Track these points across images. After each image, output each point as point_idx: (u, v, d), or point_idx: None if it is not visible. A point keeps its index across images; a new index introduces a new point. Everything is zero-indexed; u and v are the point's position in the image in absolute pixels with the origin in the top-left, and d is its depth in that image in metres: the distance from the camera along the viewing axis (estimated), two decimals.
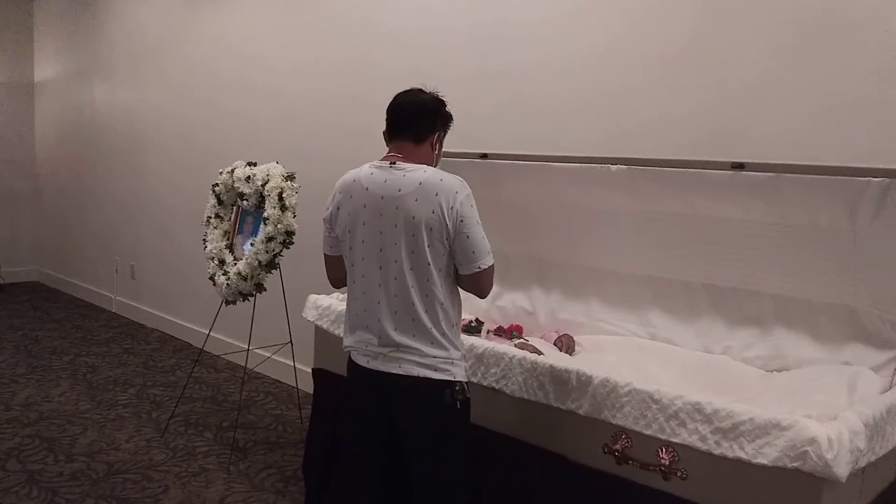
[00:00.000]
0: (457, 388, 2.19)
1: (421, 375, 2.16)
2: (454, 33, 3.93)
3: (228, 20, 5.45)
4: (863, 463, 1.94)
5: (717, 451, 1.99)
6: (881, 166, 2.29)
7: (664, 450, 2.10)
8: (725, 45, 2.94)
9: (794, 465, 1.85)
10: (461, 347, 2.28)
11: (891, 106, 2.56)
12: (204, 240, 4.13)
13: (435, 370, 2.17)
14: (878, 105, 2.58)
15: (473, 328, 3.30)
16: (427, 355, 2.17)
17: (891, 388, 2.32)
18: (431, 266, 2.15)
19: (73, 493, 3.39)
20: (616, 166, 2.85)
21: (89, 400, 4.59)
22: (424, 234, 2.13)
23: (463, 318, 3.22)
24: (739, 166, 2.55)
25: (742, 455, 1.94)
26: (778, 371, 2.65)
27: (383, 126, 2.33)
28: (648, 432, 2.12)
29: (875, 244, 2.38)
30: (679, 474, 2.08)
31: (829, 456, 1.80)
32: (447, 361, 2.19)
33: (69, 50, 7.49)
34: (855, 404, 2.15)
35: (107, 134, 6.97)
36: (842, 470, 1.82)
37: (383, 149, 2.30)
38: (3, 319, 6.56)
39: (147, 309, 6.54)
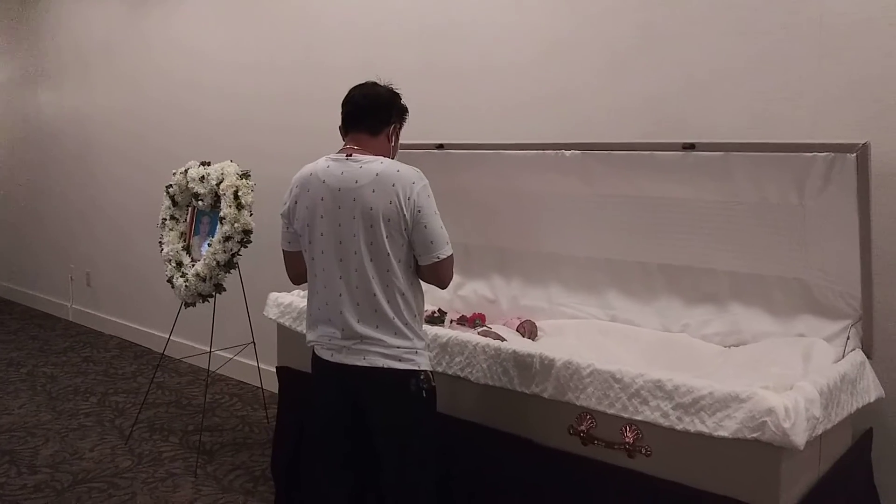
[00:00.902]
0: (422, 377, 2.20)
1: (386, 366, 2.17)
2: (405, 30, 3.93)
3: (176, 20, 5.37)
4: (819, 430, 2.00)
5: (679, 427, 2.03)
6: (825, 141, 2.35)
7: (628, 428, 2.14)
8: (671, 29, 2.98)
9: (754, 435, 1.90)
10: (425, 337, 2.29)
11: (831, 83, 2.62)
12: (160, 242, 4.08)
13: (399, 360, 2.18)
14: (819, 83, 2.65)
15: (437, 318, 3.31)
16: (391, 346, 2.18)
17: (843, 357, 2.38)
18: (391, 257, 2.16)
19: None
20: (570, 152, 2.87)
21: (50, 410, 4.51)
22: (382, 224, 2.14)
23: (426, 308, 3.24)
24: (690, 146, 2.59)
25: (703, 429, 1.99)
26: (735, 346, 2.71)
27: (336, 122, 2.32)
28: (612, 412, 2.16)
29: (823, 218, 2.44)
30: (643, 451, 2.12)
31: (786, 425, 1.86)
32: (411, 351, 2.20)
33: (14, 54, 7.30)
34: (810, 374, 2.21)
35: (57, 139, 6.81)
36: (799, 438, 1.87)
37: (336, 145, 2.30)
38: None
39: (105, 316, 6.43)
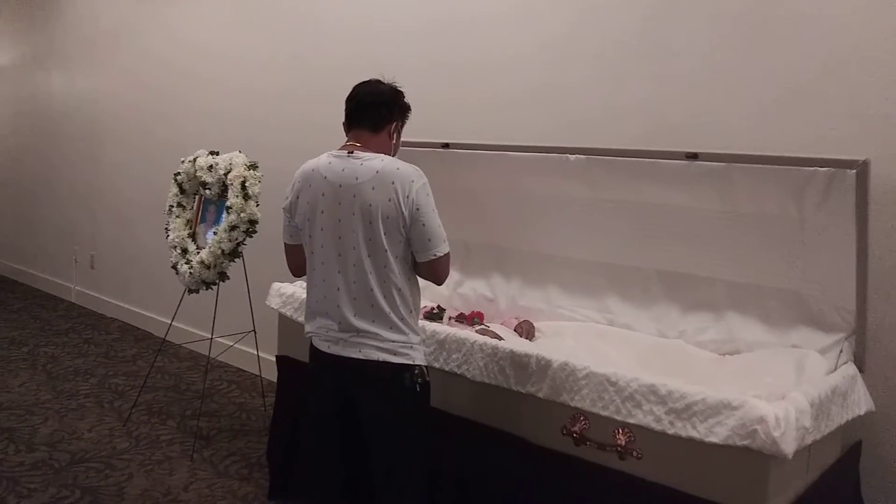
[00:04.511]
0: (416, 371, 2.24)
1: (380, 360, 2.20)
2: (409, 27, 3.96)
3: (184, 12, 5.40)
4: (809, 440, 2.04)
5: (671, 431, 2.06)
6: (826, 156, 2.38)
7: (621, 431, 2.18)
8: (676, 38, 3.01)
9: (744, 442, 1.93)
10: (420, 332, 2.32)
11: (835, 97, 2.65)
12: (166, 228, 4.11)
13: (394, 354, 2.21)
14: (823, 97, 2.67)
15: (435, 315, 3.35)
16: (386, 340, 2.21)
17: (836, 369, 2.41)
18: (388, 253, 2.19)
19: (34, 482, 3.37)
20: (575, 156, 2.91)
21: (50, 390, 4.55)
22: (381, 221, 2.17)
23: (425, 305, 3.29)
24: (693, 156, 2.63)
25: (695, 434, 2.02)
26: (730, 354, 2.74)
27: (338, 118, 2.36)
28: (605, 414, 2.19)
29: (821, 231, 2.47)
30: (635, 454, 2.15)
31: (776, 434, 1.89)
32: (406, 346, 2.23)
33: (24, 37, 7.34)
34: (802, 385, 2.24)
35: (64, 123, 6.86)
36: (788, 447, 1.91)
37: (338, 141, 2.33)
38: None
39: (107, 299, 6.48)
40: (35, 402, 4.35)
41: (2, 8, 7.65)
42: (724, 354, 2.75)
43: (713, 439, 1.99)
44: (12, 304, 6.75)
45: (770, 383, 2.32)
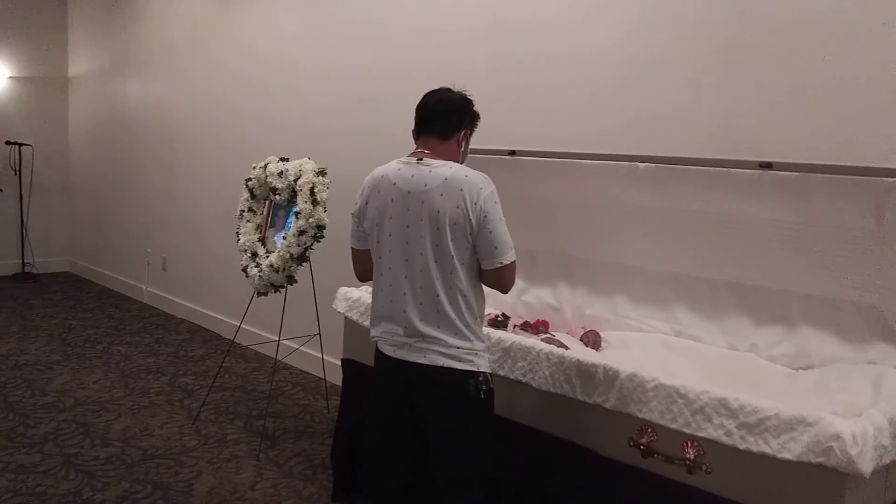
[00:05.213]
0: (480, 378, 2.24)
1: (445, 366, 2.21)
2: (473, 33, 3.98)
3: (257, 23, 5.54)
4: (887, 460, 1.97)
5: (742, 446, 2.02)
6: None
7: (689, 444, 2.14)
8: (754, 45, 2.95)
9: (819, 460, 1.88)
10: (485, 339, 2.33)
11: None
12: (237, 232, 4.21)
13: (459, 360, 2.22)
14: None
15: (500, 323, 3.34)
16: (451, 346, 2.22)
17: None
18: (455, 259, 2.20)
19: (108, 476, 3.49)
20: (644, 164, 2.88)
21: (123, 387, 4.71)
22: (448, 228, 2.19)
23: (489, 312, 3.29)
24: (767, 165, 2.58)
25: (767, 450, 1.97)
26: (803, 369, 2.67)
27: (405, 126, 2.39)
28: (674, 426, 2.16)
29: None
30: (704, 468, 2.12)
31: (853, 452, 1.83)
32: (471, 352, 2.24)
33: (102, 46, 7.63)
34: (879, 402, 2.16)
35: (138, 130, 7.10)
36: (865, 466, 1.85)
37: (406, 148, 2.36)
38: (37, 308, 6.72)
39: (177, 300, 6.66)
40: (109, 398, 4.51)
41: (81, 18, 7.97)
42: (797, 369, 2.68)
43: (786, 456, 1.94)
44: (88, 304, 7.00)
45: (846, 400, 2.25)
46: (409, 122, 2.39)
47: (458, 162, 2.33)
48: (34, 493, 3.31)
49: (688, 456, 2.14)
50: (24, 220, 7.98)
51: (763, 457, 1.98)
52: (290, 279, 3.92)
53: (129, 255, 7.37)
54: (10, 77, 7.92)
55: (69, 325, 6.20)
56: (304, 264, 3.89)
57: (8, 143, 7.75)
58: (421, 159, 2.28)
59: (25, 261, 8.03)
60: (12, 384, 4.67)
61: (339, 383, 3.51)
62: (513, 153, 3.30)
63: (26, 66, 8.03)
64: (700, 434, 2.11)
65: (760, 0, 2.93)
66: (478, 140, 2.53)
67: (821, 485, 1.90)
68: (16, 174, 7.86)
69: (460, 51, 4.03)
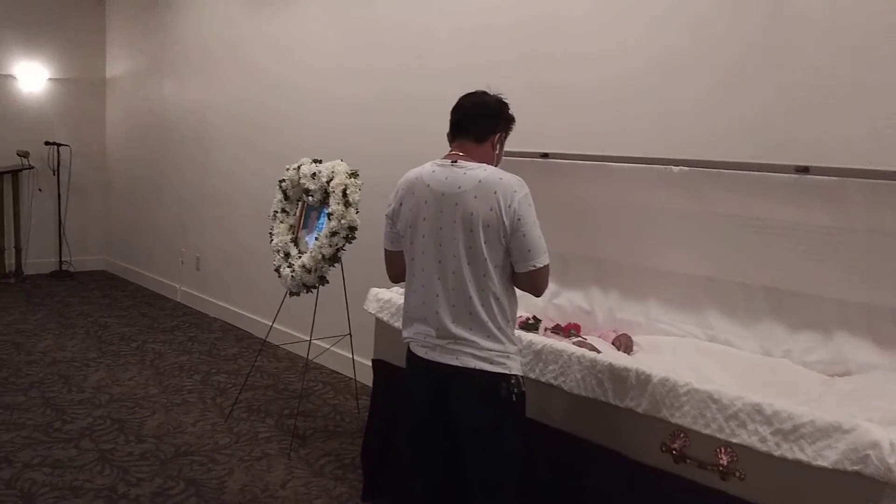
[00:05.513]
0: (512, 381, 2.24)
1: (477, 368, 2.22)
2: (506, 31, 3.97)
3: (290, 26, 5.59)
4: None
5: (776, 453, 2.00)
6: None
7: (723, 450, 2.12)
8: (789, 44, 2.92)
9: (855, 468, 1.85)
10: (517, 342, 2.33)
11: None
12: (270, 233, 4.26)
13: (491, 363, 2.22)
14: None
15: (531, 325, 3.34)
16: (483, 348, 2.22)
17: None
18: (488, 262, 2.21)
19: (142, 471, 3.54)
20: (678, 168, 2.86)
21: (157, 384, 4.78)
22: (482, 230, 2.19)
23: (520, 315, 3.29)
24: (804, 170, 2.54)
25: (802, 457, 1.95)
26: (839, 376, 2.64)
27: (438, 128, 2.39)
28: (707, 432, 2.14)
29: None
30: (738, 475, 2.10)
31: (891, 460, 1.81)
32: (503, 355, 2.24)
33: (140, 47, 7.76)
34: None
35: (173, 131, 7.20)
36: None
37: (439, 150, 2.36)
38: (73, 306, 6.84)
39: (210, 299, 6.74)
40: (143, 395, 4.57)
41: (118, 20, 8.11)
42: (833, 376, 2.65)
43: (822, 463, 1.92)
44: (123, 302, 7.11)
45: (883, 407, 2.22)
46: (442, 124, 2.40)
47: (492, 164, 2.34)
48: (70, 487, 3.37)
49: (721, 462, 2.13)
50: (62, 219, 8.13)
51: (798, 464, 1.96)
52: (322, 279, 3.95)
53: (164, 255, 7.48)
54: (50, 79, 8.08)
55: (105, 322, 6.31)
56: (335, 265, 3.92)
57: (47, 143, 7.90)
58: (455, 161, 2.29)
59: (63, 259, 8.18)
60: (50, 380, 4.76)
61: (369, 383, 3.53)
62: (545, 155, 3.30)
63: (65, 68, 8.18)
64: (734, 440, 2.09)
65: None
66: (510, 142, 2.53)
67: (857, 493, 1.88)
68: (54, 174, 8.02)
69: (492, 52, 4.04)
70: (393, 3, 4.67)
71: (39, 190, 8.00)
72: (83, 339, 5.74)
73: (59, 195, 8.07)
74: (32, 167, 7.85)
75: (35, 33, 7.92)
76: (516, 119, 2.44)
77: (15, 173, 7.73)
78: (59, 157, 7.98)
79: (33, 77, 7.96)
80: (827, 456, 1.91)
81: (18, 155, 7.72)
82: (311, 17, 5.36)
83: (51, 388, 4.63)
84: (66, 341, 5.67)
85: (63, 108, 8.20)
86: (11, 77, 7.86)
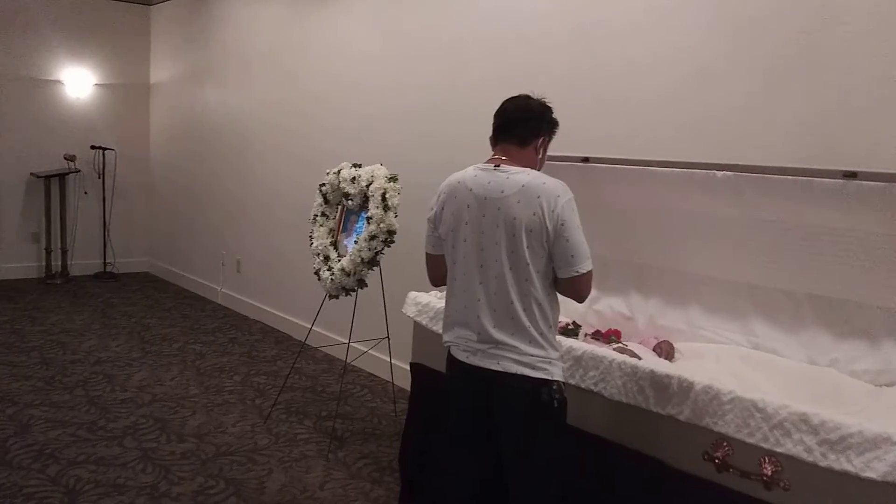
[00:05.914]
0: (554, 387, 2.23)
1: (519, 373, 2.21)
2: (546, 38, 3.96)
3: (331, 35, 5.63)
4: None
5: (822, 464, 1.96)
6: None
7: (767, 459, 2.09)
8: (836, 47, 2.87)
9: None
10: (559, 348, 2.31)
11: None
12: (310, 236, 4.29)
13: (533, 368, 2.21)
14: None
15: (571, 331, 3.32)
16: (525, 353, 2.21)
17: None
18: (530, 267, 2.20)
19: (183, 470, 3.60)
20: (722, 173, 2.82)
21: (198, 385, 4.84)
22: (524, 235, 2.18)
23: (560, 320, 3.26)
24: (852, 175, 2.49)
25: (849, 468, 1.91)
26: (887, 386, 2.58)
27: (478, 135, 2.39)
28: (751, 441, 2.11)
29: None
30: (782, 485, 2.06)
31: None
32: (545, 360, 2.22)
33: (183, 54, 7.89)
34: None
35: (217, 133, 7.30)
36: None
37: (478, 155, 2.36)
38: (117, 307, 6.97)
39: (250, 301, 6.82)
40: (185, 395, 4.64)
41: (162, 27, 8.26)
42: (880, 386, 2.59)
43: (870, 475, 1.88)
44: (165, 303, 7.23)
45: None
46: (481, 131, 2.39)
47: (535, 169, 2.33)
48: (114, 484, 3.43)
49: (765, 472, 2.09)
50: (107, 221, 8.30)
51: (845, 475, 1.93)
52: (361, 283, 3.97)
53: (205, 258, 7.59)
54: (96, 84, 8.26)
55: (147, 323, 6.42)
56: (374, 268, 3.93)
57: (93, 147, 8.08)
58: (498, 165, 2.28)
59: (107, 261, 8.35)
60: (94, 379, 4.86)
61: (407, 387, 3.54)
62: (586, 160, 3.28)
63: (111, 74, 8.36)
64: (778, 450, 2.05)
65: None
66: (551, 146, 2.52)
67: None
68: (100, 178, 8.19)
69: (531, 58, 4.03)
70: (434, 12, 4.69)
71: (85, 193, 8.18)
72: (126, 340, 5.85)
73: (103, 198, 8.24)
74: (79, 171, 8.03)
75: (82, 40, 8.11)
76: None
77: (62, 177, 7.91)
78: (104, 160, 8.15)
79: (80, 82, 8.15)
80: (875, 468, 1.87)
81: (65, 159, 7.90)
82: (353, 27, 5.40)
83: (95, 387, 4.72)
84: (109, 341, 5.78)
85: (108, 113, 8.38)
86: (59, 83, 8.05)
